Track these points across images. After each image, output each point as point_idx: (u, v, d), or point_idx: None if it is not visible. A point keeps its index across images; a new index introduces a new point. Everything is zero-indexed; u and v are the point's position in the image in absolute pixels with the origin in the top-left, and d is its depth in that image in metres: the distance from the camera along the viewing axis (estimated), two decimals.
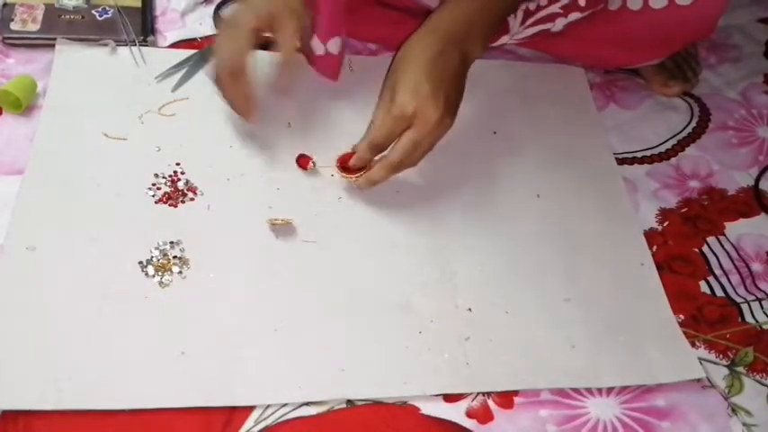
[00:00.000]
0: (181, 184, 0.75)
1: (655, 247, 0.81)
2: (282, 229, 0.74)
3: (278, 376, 0.65)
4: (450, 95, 0.70)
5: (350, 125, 0.80)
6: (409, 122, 0.69)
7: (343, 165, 0.76)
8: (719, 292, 0.79)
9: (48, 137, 0.76)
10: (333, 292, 0.71)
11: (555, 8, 0.83)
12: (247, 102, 0.75)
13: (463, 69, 0.73)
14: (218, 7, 0.95)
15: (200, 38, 0.92)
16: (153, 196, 0.74)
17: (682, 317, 0.76)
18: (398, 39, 0.93)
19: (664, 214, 0.85)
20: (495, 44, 0.86)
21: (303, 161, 0.79)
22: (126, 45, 0.86)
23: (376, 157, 0.74)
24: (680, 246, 0.82)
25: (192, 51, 0.88)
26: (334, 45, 0.77)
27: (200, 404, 0.63)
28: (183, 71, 0.85)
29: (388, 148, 0.72)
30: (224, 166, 0.78)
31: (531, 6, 0.83)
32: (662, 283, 0.78)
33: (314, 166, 0.78)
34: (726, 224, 0.85)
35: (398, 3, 0.86)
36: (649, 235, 0.82)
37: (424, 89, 0.68)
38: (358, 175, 0.75)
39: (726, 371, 0.73)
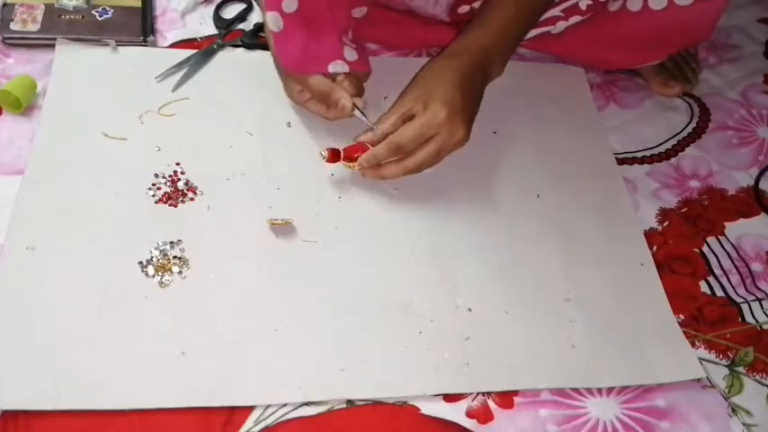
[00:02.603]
0: (181, 184, 0.75)
1: (655, 247, 0.81)
2: (282, 229, 0.74)
3: (278, 376, 0.65)
4: (474, 114, 0.74)
5: (350, 124, 0.80)
6: (437, 131, 0.71)
7: (347, 156, 0.76)
8: (719, 292, 0.79)
9: (48, 137, 0.76)
10: (333, 292, 0.71)
11: (556, 11, 0.83)
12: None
13: (483, 90, 0.77)
14: (219, 7, 0.95)
15: (200, 38, 0.92)
16: (153, 196, 0.74)
17: (682, 317, 0.76)
18: (399, 39, 0.93)
19: (664, 214, 0.85)
20: None
21: (333, 155, 0.75)
22: (126, 45, 0.86)
23: None
24: (680, 246, 0.82)
25: (192, 51, 0.88)
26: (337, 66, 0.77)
27: (200, 404, 0.63)
28: (184, 71, 0.85)
29: None
30: (224, 165, 0.78)
31: None
32: (662, 282, 0.78)
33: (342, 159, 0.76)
34: (726, 224, 0.85)
35: (399, 5, 0.86)
36: (649, 235, 0.82)
37: (457, 103, 0.71)
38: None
39: (726, 371, 0.73)
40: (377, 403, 0.66)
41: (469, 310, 0.72)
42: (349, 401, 0.65)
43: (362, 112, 0.76)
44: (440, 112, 0.70)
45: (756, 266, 0.82)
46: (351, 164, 0.76)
